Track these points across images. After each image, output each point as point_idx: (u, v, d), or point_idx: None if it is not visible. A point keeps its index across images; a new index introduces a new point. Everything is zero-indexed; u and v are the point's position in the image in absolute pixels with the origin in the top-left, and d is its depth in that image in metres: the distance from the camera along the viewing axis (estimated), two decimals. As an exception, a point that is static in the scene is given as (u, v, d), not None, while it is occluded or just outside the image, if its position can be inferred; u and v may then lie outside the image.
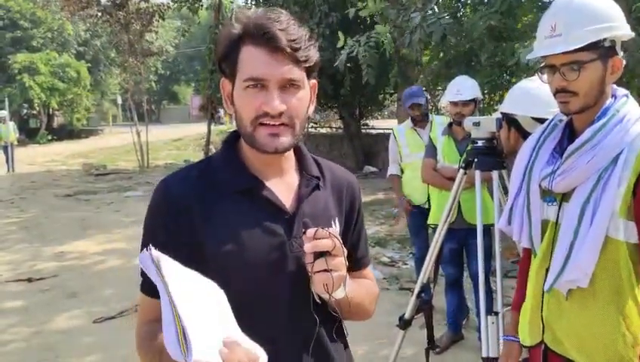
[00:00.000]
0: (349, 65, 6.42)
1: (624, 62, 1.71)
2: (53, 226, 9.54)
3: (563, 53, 1.64)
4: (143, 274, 1.26)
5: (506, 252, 5.32)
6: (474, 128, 2.91)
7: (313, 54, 1.28)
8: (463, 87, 4.11)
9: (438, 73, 7.38)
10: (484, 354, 2.78)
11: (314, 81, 1.36)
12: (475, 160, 2.93)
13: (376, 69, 6.78)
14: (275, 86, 1.23)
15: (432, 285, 3.37)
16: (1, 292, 6.14)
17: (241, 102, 1.27)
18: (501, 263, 2.85)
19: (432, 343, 3.45)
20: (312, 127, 17.37)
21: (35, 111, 33.42)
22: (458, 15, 5.89)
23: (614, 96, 1.72)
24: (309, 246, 1.21)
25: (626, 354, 1.67)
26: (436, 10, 6.13)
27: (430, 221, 4.43)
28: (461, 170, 3.12)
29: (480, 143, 2.92)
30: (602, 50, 1.64)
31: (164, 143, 25.26)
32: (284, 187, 1.36)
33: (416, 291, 3.27)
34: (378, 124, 18.50)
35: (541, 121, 2.14)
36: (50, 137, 32.52)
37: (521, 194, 1.90)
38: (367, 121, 18.08)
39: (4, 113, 19.05)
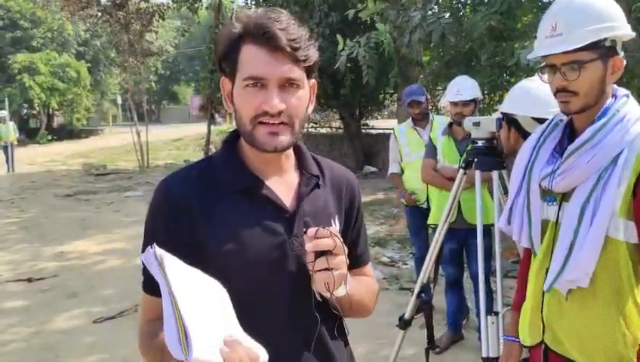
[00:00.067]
0: (349, 65, 6.41)
1: (624, 62, 1.71)
2: (53, 226, 9.54)
3: (563, 52, 1.64)
4: (145, 272, 1.27)
5: (506, 252, 5.32)
6: (474, 128, 2.91)
7: (313, 54, 1.29)
8: (463, 87, 4.11)
9: (438, 73, 7.38)
10: (484, 354, 2.78)
11: (313, 81, 1.36)
12: (475, 160, 2.93)
13: (377, 70, 6.78)
14: (274, 85, 1.24)
15: (432, 285, 3.37)
16: (1, 292, 6.14)
17: (241, 101, 1.28)
18: (501, 263, 2.85)
19: (432, 343, 3.45)
20: (312, 127, 17.37)
21: (35, 111, 33.42)
22: (459, 15, 5.88)
23: (615, 96, 1.72)
24: (310, 246, 1.22)
25: (626, 354, 1.67)
26: (436, 9, 6.14)
27: (430, 221, 4.43)
28: (461, 170, 3.11)
29: (480, 143, 2.92)
30: (603, 49, 1.64)
31: (164, 143, 25.27)
32: (284, 186, 1.36)
33: (416, 291, 3.27)
34: (378, 124, 18.50)
35: (541, 121, 2.14)
36: (50, 137, 32.53)
37: (521, 193, 1.89)
38: (367, 121, 18.07)
39: (4, 113, 19.05)
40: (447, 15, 5.44)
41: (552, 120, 1.88)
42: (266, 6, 13.18)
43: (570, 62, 1.65)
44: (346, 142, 16.71)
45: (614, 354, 1.67)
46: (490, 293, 3.60)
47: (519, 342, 2.02)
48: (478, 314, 3.88)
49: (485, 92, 6.42)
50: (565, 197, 1.75)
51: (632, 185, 1.61)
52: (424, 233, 5.01)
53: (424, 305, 3.27)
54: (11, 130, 18.32)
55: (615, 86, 1.75)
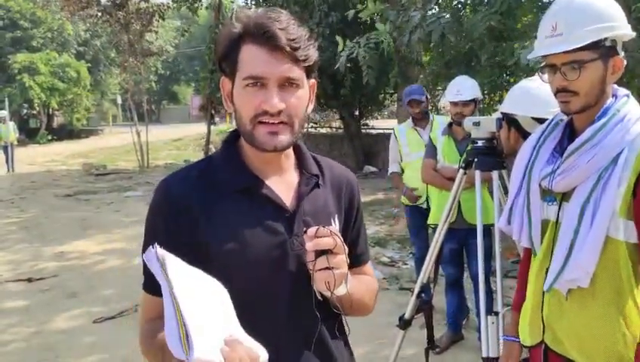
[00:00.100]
0: (349, 65, 6.41)
1: (625, 62, 1.71)
2: (53, 226, 9.54)
3: (564, 52, 1.64)
4: (146, 272, 1.27)
5: (506, 252, 5.32)
6: (474, 128, 2.91)
7: (312, 54, 1.29)
8: (463, 87, 4.11)
9: (438, 73, 7.39)
10: (484, 354, 2.78)
11: (313, 81, 1.37)
12: (475, 160, 2.93)
13: (377, 70, 6.78)
14: (274, 84, 1.25)
15: (432, 285, 3.37)
16: (1, 292, 6.14)
17: (241, 101, 1.28)
18: (501, 263, 2.84)
19: (431, 343, 3.45)
20: (312, 126, 17.37)
21: (35, 111, 33.42)
22: (459, 15, 5.87)
23: (615, 96, 1.72)
24: (310, 245, 1.22)
25: (626, 354, 1.67)
26: (436, 10, 6.14)
27: (430, 221, 4.43)
28: (461, 170, 3.11)
29: (480, 143, 2.92)
30: (603, 49, 1.64)
31: (164, 143, 25.27)
32: (284, 185, 1.37)
33: (416, 291, 3.27)
34: (378, 124, 18.51)
35: (541, 121, 2.14)
36: (50, 137, 32.53)
37: (521, 193, 1.89)
38: (367, 121, 18.08)
39: (4, 113, 19.05)
40: (447, 15, 5.44)
41: (552, 120, 1.88)
42: (266, 6, 13.18)
43: (570, 62, 1.65)
44: (346, 142, 16.71)
45: (614, 354, 1.67)
46: (490, 293, 3.60)
47: (519, 342, 2.02)
48: (478, 314, 3.89)
49: (485, 92, 6.42)
50: (565, 197, 1.75)
51: (632, 185, 1.61)
52: (424, 233, 5.01)
53: (424, 305, 3.27)
54: (11, 130, 18.33)
55: (615, 86, 1.75)
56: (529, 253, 1.97)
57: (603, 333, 1.69)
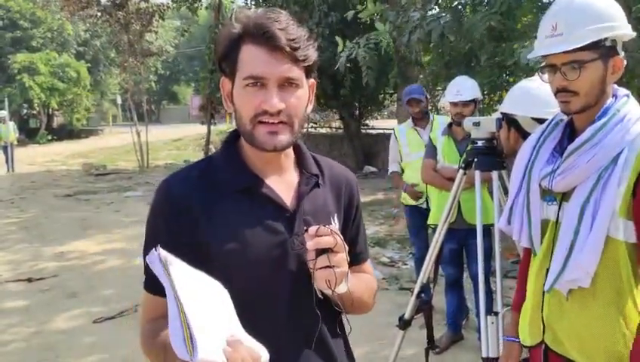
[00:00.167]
0: (348, 65, 6.42)
1: (625, 62, 1.71)
2: (53, 226, 9.54)
3: (564, 52, 1.64)
4: (147, 271, 1.28)
5: (505, 252, 5.32)
6: (474, 128, 2.91)
7: (312, 54, 1.30)
8: (463, 88, 4.11)
9: (438, 73, 7.39)
10: (483, 355, 2.78)
11: (312, 81, 1.37)
12: (475, 160, 2.93)
13: (376, 70, 6.78)
14: (274, 84, 1.25)
15: (431, 285, 3.37)
16: (1, 292, 6.14)
17: (241, 101, 1.29)
18: (501, 263, 2.84)
19: (431, 343, 3.45)
20: (311, 127, 17.37)
21: (34, 112, 33.43)
22: (460, 14, 5.87)
23: (615, 96, 1.72)
24: (311, 244, 1.23)
25: (626, 354, 1.67)
26: (436, 9, 6.14)
27: (430, 221, 4.43)
28: (461, 171, 3.11)
29: (480, 143, 2.92)
30: (603, 49, 1.64)
31: (164, 143, 25.27)
32: (284, 185, 1.37)
33: (415, 291, 3.27)
34: (378, 124, 18.51)
35: (541, 121, 2.14)
36: (50, 137, 32.53)
37: (521, 193, 1.89)
38: (367, 121, 18.08)
39: (4, 113, 19.04)
40: (447, 15, 5.44)
41: (553, 119, 1.88)
42: (266, 6, 13.18)
43: (570, 62, 1.65)
44: (345, 142, 16.72)
45: (614, 354, 1.67)
46: (489, 293, 3.60)
47: (519, 342, 2.02)
48: (477, 315, 3.88)
49: (485, 92, 6.42)
50: (565, 196, 1.75)
51: (632, 185, 1.61)
52: (424, 233, 5.01)
53: (424, 305, 3.27)
54: (11, 130, 18.32)
55: (615, 86, 1.75)
56: (529, 253, 1.97)
57: (603, 333, 1.69)
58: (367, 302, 1.50)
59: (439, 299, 4.62)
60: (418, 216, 4.95)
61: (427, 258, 3.28)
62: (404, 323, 3.30)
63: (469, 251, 4.20)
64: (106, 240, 8.41)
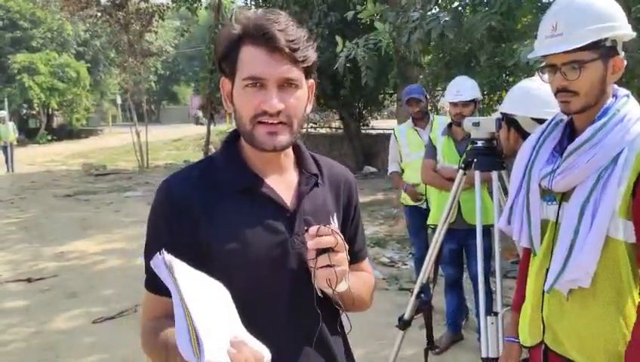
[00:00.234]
0: (348, 65, 6.42)
1: (625, 62, 1.71)
2: (53, 226, 9.54)
3: (564, 52, 1.64)
4: (148, 270, 1.28)
5: (505, 252, 5.32)
6: (473, 129, 2.91)
7: (311, 55, 1.31)
8: (463, 88, 4.11)
9: (438, 74, 7.39)
10: (483, 355, 2.78)
11: (312, 81, 1.38)
12: (475, 160, 2.93)
13: (376, 70, 6.78)
14: (273, 85, 1.26)
15: (431, 285, 3.37)
16: (1, 292, 6.14)
17: (241, 101, 1.29)
18: (500, 263, 2.84)
19: (431, 343, 3.45)
20: (311, 127, 17.38)
21: (34, 112, 33.42)
22: (460, 14, 5.88)
23: (615, 96, 1.72)
24: (312, 244, 1.24)
25: (627, 354, 1.67)
26: (436, 10, 6.14)
27: (430, 221, 4.43)
28: (461, 171, 3.11)
29: (479, 144, 2.92)
30: (603, 49, 1.64)
31: (163, 143, 25.27)
32: (284, 185, 1.38)
33: (415, 291, 3.27)
34: (377, 125, 18.51)
35: (540, 121, 2.14)
36: (49, 137, 32.53)
37: (521, 193, 1.89)
38: (367, 122, 18.08)
39: (4, 113, 19.03)
40: (447, 16, 5.44)
41: (553, 119, 1.88)
42: (266, 6, 13.19)
43: (570, 62, 1.65)
44: (345, 142, 16.72)
45: (615, 354, 1.67)
46: (489, 294, 3.60)
47: (519, 342, 2.02)
48: (477, 315, 3.88)
49: (485, 92, 6.43)
50: (565, 196, 1.75)
51: (632, 185, 1.60)
52: (424, 233, 5.01)
53: (424, 306, 3.27)
54: (11, 130, 18.31)
55: (616, 86, 1.75)
56: (528, 253, 1.97)
57: (603, 333, 1.69)
58: (366, 300, 1.51)
59: (439, 300, 4.62)
60: (418, 216, 4.95)
61: (427, 258, 3.28)
62: (403, 324, 3.30)
63: (469, 251, 4.20)
64: (106, 241, 8.41)
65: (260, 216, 1.32)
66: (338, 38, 6.24)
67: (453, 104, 4.13)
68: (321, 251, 1.24)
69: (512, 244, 3.27)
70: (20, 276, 6.69)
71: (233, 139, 1.41)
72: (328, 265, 1.24)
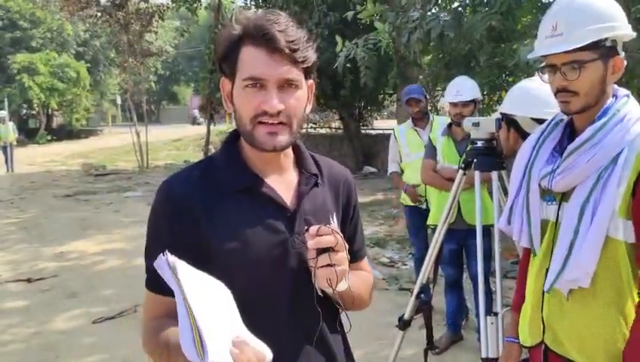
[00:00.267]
0: (348, 66, 6.43)
1: (625, 62, 1.71)
2: (53, 226, 9.54)
3: (564, 52, 1.64)
4: (149, 270, 1.29)
5: (505, 252, 5.32)
6: (473, 129, 2.91)
7: (311, 55, 1.31)
8: (463, 88, 4.11)
9: (438, 74, 7.39)
10: (483, 355, 2.77)
11: (311, 82, 1.39)
12: (475, 160, 2.93)
13: (375, 70, 6.79)
14: (273, 85, 1.27)
15: (431, 286, 3.37)
16: (1, 292, 6.14)
17: (241, 101, 1.30)
18: (500, 264, 2.84)
19: (431, 344, 3.45)
20: (311, 127, 17.38)
21: (34, 112, 33.44)
22: (460, 15, 5.88)
23: (615, 96, 1.72)
24: (312, 243, 1.24)
25: (627, 354, 1.67)
26: (436, 10, 6.14)
27: (430, 221, 4.43)
28: (460, 171, 3.11)
29: (479, 144, 2.92)
30: (603, 49, 1.64)
31: (163, 144, 25.27)
32: (284, 185, 1.39)
33: (415, 292, 3.27)
34: (377, 125, 18.50)
35: (540, 121, 2.14)
36: (49, 137, 32.54)
37: (521, 193, 1.89)
38: (367, 122, 18.08)
39: (4, 113, 19.03)
40: (446, 16, 5.44)
41: (553, 119, 1.88)
42: (266, 6, 13.19)
43: (570, 62, 1.65)
44: (345, 142, 16.72)
45: (615, 354, 1.67)
46: (489, 294, 3.60)
47: (519, 342, 2.02)
48: (477, 315, 3.88)
49: (484, 92, 6.42)
50: (565, 196, 1.75)
51: (632, 185, 1.60)
52: (423, 233, 5.01)
53: (423, 306, 3.27)
54: (11, 131, 18.32)
55: (616, 86, 1.75)
56: (528, 253, 1.97)
57: (603, 333, 1.69)
58: (365, 299, 1.53)
59: (439, 300, 4.62)
60: (418, 216, 4.95)
61: (427, 258, 3.28)
62: (403, 324, 3.30)
63: (469, 251, 4.20)
64: (106, 241, 8.41)
65: (260, 216, 1.32)
66: (338, 38, 6.24)
67: (453, 104, 4.13)
68: (321, 251, 1.25)
69: (512, 244, 3.27)
70: (19, 276, 6.69)
71: (233, 140, 1.42)
72: (329, 265, 1.25)
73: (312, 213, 1.36)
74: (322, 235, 1.24)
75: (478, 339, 3.64)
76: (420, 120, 5.04)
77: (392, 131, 5.43)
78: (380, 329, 4.52)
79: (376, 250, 7.25)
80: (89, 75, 34.52)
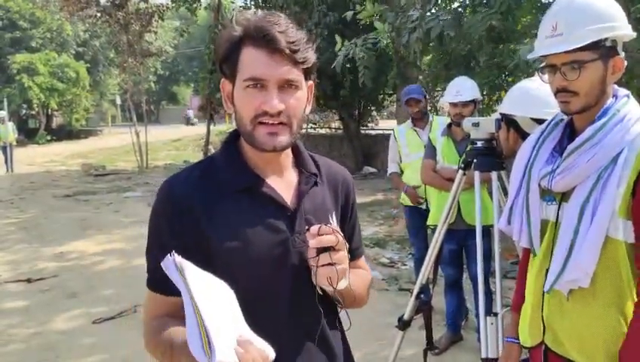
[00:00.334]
0: (347, 66, 6.43)
1: (625, 62, 1.71)
2: (53, 226, 9.54)
3: (564, 52, 1.64)
4: (149, 270, 1.29)
5: (505, 253, 5.32)
6: (473, 129, 2.91)
7: (311, 56, 1.32)
8: (463, 88, 4.11)
9: (438, 74, 7.39)
10: (483, 355, 2.77)
11: (311, 82, 1.40)
12: (475, 160, 2.93)
13: (375, 70, 6.79)
14: (274, 86, 1.27)
15: (431, 286, 3.37)
16: (1, 293, 6.14)
17: (241, 102, 1.31)
18: (500, 264, 2.84)
19: (430, 344, 3.45)
20: (311, 127, 17.38)
21: (34, 112, 33.43)
22: (460, 15, 5.88)
23: (615, 96, 1.72)
24: (313, 243, 1.25)
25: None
26: (436, 9, 6.15)
27: (429, 222, 4.42)
28: (460, 171, 3.12)
29: (479, 144, 2.92)
30: (603, 49, 1.64)
31: (163, 144, 25.28)
32: (284, 184, 1.40)
33: (415, 292, 3.27)
34: (380, 125, 18.50)
35: (540, 121, 2.14)
36: (49, 138, 32.53)
37: (521, 193, 1.89)
38: (369, 120, 18.07)
39: (3, 113, 19.02)
40: (446, 15, 5.45)
41: (552, 119, 1.88)
42: (266, 6, 13.19)
43: (570, 62, 1.65)
44: (345, 142, 16.72)
45: (615, 354, 1.67)
46: (489, 294, 3.60)
47: (519, 343, 2.02)
48: (477, 315, 3.88)
49: (484, 93, 6.42)
50: (565, 197, 1.75)
51: (632, 185, 1.60)
52: (423, 234, 5.01)
53: (423, 306, 3.27)
54: (10, 131, 18.31)
55: (616, 86, 1.75)
56: (528, 253, 1.97)
57: (603, 333, 1.69)
58: (363, 297, 1.54)
59: (439, 300, 4.62)
60: (417, 216, 4.95)
61: (426, 258, 3.28)
62: (403, 324, 3.30)
63: (469, 252, 4.20)
64: (106, 241, 8.41)
65: (260, 215, 1.33)
66: (337, 38, 6.24)
67: (453, 104, 4.13)
68: (322, 249, 1.26)
69: (511, 245, 3.27)
70: (19, 276, 6.69)
71: (233, 140, 1.42)
72: (329, 264, 1.26)
73: (311, 212, 1.37)
74: (323, 234, 1.25)
75: (478, 340, 3.64)
76: (420, 120, 5.04)
77: (391, 131, 5.43)
78: (379, 329, 4.52)
79: (376, 250, 7.25)
80: (89, 75, 34.52)
